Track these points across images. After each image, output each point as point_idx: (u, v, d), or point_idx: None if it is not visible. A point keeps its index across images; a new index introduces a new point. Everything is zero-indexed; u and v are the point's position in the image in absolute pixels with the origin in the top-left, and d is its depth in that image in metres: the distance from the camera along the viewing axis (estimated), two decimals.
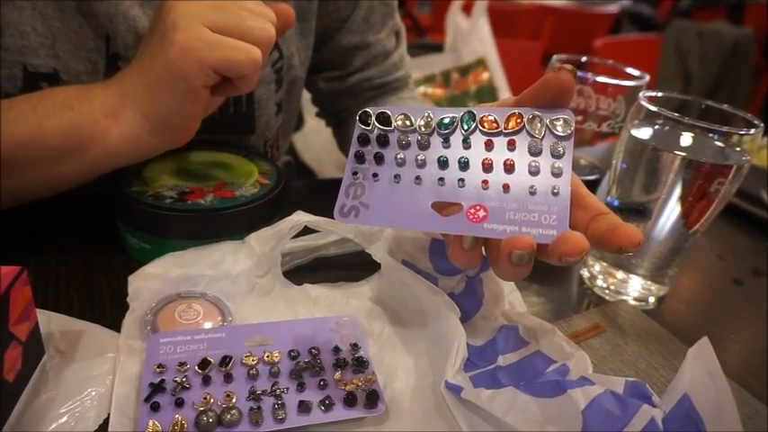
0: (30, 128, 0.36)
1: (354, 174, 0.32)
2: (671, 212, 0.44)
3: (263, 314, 0.39)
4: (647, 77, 0.53)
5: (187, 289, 0.39)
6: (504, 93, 1.41)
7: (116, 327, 0.36)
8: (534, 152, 0.29)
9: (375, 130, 0.32)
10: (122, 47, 0.44)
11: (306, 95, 0.72)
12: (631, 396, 0.29)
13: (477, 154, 0.30)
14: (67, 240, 0.44)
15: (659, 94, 0.46)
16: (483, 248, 0.30)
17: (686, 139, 0.42)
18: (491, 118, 0.31)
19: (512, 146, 0.30)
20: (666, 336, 0.42)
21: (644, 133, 0.44)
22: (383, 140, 0.32)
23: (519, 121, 0.30)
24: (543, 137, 0.29)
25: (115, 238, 0.44)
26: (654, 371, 0.39)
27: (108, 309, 0.38)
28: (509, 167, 0.29)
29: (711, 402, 0.28)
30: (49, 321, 0.35)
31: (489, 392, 0.30)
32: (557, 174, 0.29)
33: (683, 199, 0.43)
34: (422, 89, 1.32)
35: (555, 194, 0.28)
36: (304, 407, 0.31)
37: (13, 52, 0.40)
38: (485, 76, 1.39)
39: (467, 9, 1.41)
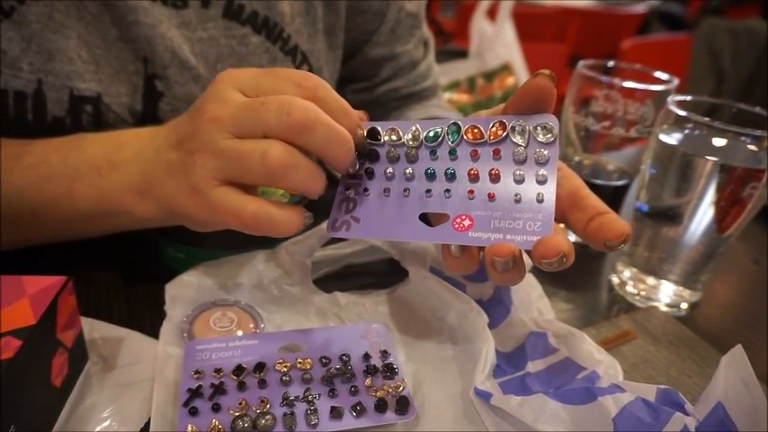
0: (61, 189, 0.37)
1: (346, 189, 0.33)
2: (702, 217, 0.43)
3: (294, 321, 0.40)
4: (676, 81, 0.52)
5: (221, 297, 0.40)
6: None
7: (154, 334, 0.37)
8: (519, 160, 0.30)
9: (365, 146, 0.33)
10: (160, 66, 0.45)
11: None
12: (663, 404, 0.29)
13: (463, 165, 0.31)
14: (108, 252, 0.46)
15: (689, 98, 0.46)
16: (480, 255, 0.30)
17: (717, 143, 0.42)
18: (476, 128, 0.31)
19: (497, 155, 0.30)
20: (699, 342, 0.42)
21: (673, 138, 0.44)
22: (373, 155, 0.33)
23: (503, 129, 0.30)
24: (527, 144, 0.30)
25: (152, 249, 0.46)
26: (687, 378, 0.38)
27: (146, 316, 0.40)
28: (494, 177, 0.30)
29: (746, 411, 0.27)
30: (92, 329, 0.36)
31: (519, 399, 0.30)
32: (541, 181, 0.29)
33: (715, 203, 0.42)
34: (447, 95, 1.33)
35: (540, 201, 0.29)
36: (336, 413, 0.31)
37: (62, 77, 0.42)
38: (510, 81, 1.38)
39: (491, 14, 1.41)
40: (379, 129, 0.33)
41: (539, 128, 0.30)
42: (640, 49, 1.93)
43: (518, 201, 0.29)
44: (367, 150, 0.33)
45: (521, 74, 1.41)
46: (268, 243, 0.43)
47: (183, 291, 0.39)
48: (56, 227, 0.39)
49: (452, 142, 0.31)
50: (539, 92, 0.29)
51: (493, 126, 0.31)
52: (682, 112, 0.42)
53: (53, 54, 0.42)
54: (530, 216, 0.28)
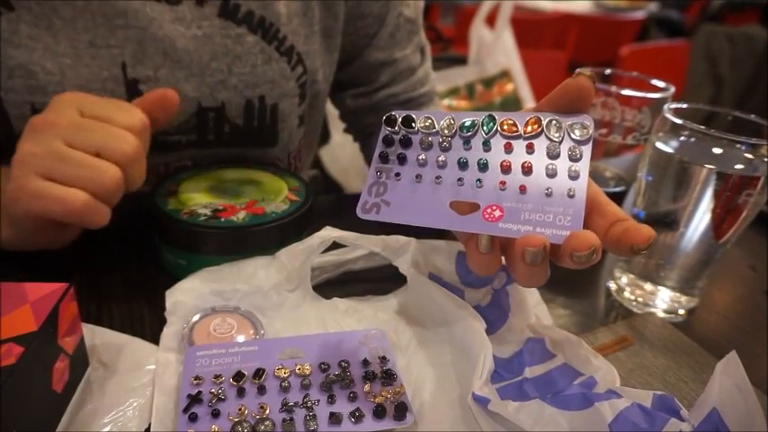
0: None
1: (378, 173, 0.33)
2: (699, 224, 0.43)
3: (293, 327, 0.40)
4: (673, 89, 0.53)
5: (221, 303, 0.40)
6: (529, 103, 1.41)
7: (155, 340, 0.37)
8: (552, 155, 0.30)
9: (400, 132, 0.34)
10: (151, 69, 0.45)
11: (333, 111, 0.74)
12: (659, 410, 0.29)
13: (496, 156, 0.31)
14: (109, 258, 0.47)
15: (684, 106, 0.46)
16: (503, 256, 0.31)
17: (713, 150, 0.42)
18: (511, 122, 0.31)
19: (530, 149, 0.31)
20: (696, 349, 0.42)
21: (669, 146, 0.44)
22: (406, 142, 0.33)
23: (538, 125, 0.31)
24: (561, 141, 0.30)
25: (153, 255, 0.46)
26: (683, 384, 0.38)
27: (147, 322, 0.40)
28: (527, 170, 0.30)
29: (741, 417, 0.28)
30: (93, 335, 0.37)
31: (516, 405, 0.31)
32: (573, 177, 0.29)
33: (711, 210, 0.42)
34: (446, 102, 1.33)
35: (570, 197, 0.29)
36: (335, 418, 0.32)
37: (22, 93, 0.42)
38: (509, 87, 1.39)
39: (490, 21, 1.42)
40: (414, 116, 0.33)
41: (574, 126, 0.30)
42: (639, 55, 1.95)
43: (549, 195, 0.29)
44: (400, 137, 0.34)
45: (520, 80, 1.41)
46: (268, 249, 0.43)
47: (184, 297, 0.40)
48: None
49: (486, 133, 0.32)
50: (578, 91, 0.30)
51: (528, 121, 0.31)
52: (678, 120, 0.43)
53: (13, 70, 0.42)
54: (560, 210, 0.29)
